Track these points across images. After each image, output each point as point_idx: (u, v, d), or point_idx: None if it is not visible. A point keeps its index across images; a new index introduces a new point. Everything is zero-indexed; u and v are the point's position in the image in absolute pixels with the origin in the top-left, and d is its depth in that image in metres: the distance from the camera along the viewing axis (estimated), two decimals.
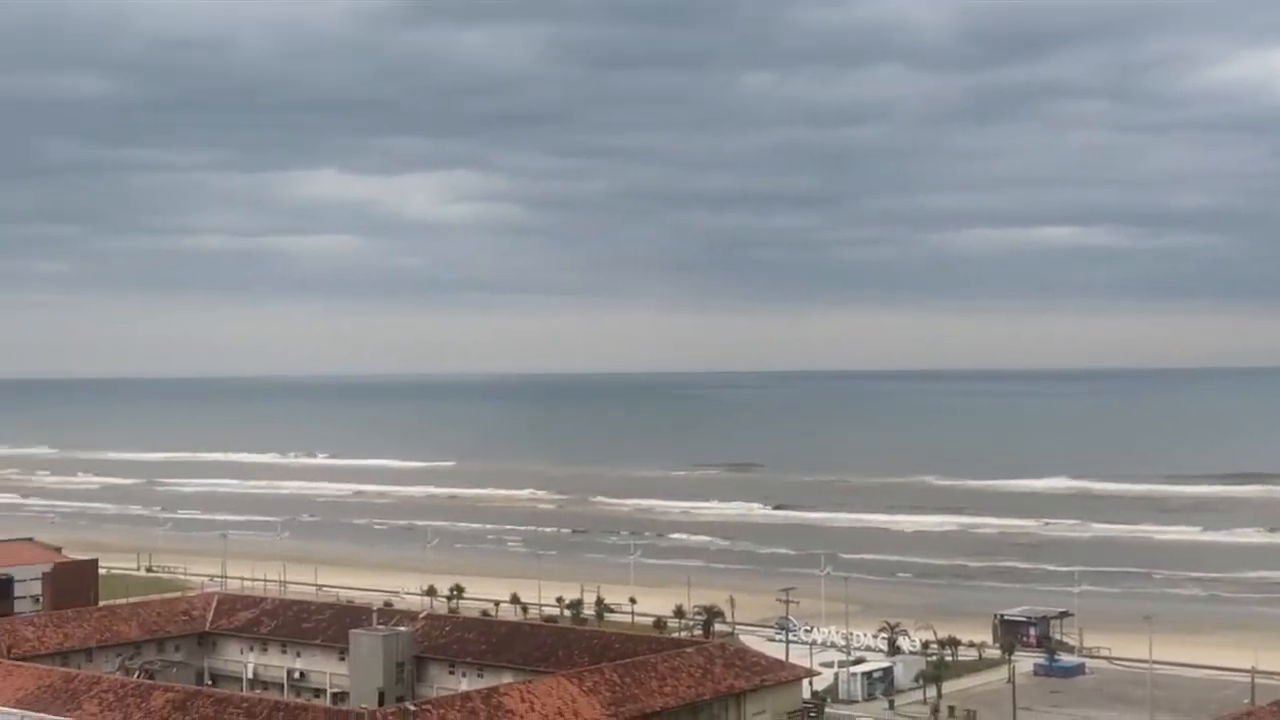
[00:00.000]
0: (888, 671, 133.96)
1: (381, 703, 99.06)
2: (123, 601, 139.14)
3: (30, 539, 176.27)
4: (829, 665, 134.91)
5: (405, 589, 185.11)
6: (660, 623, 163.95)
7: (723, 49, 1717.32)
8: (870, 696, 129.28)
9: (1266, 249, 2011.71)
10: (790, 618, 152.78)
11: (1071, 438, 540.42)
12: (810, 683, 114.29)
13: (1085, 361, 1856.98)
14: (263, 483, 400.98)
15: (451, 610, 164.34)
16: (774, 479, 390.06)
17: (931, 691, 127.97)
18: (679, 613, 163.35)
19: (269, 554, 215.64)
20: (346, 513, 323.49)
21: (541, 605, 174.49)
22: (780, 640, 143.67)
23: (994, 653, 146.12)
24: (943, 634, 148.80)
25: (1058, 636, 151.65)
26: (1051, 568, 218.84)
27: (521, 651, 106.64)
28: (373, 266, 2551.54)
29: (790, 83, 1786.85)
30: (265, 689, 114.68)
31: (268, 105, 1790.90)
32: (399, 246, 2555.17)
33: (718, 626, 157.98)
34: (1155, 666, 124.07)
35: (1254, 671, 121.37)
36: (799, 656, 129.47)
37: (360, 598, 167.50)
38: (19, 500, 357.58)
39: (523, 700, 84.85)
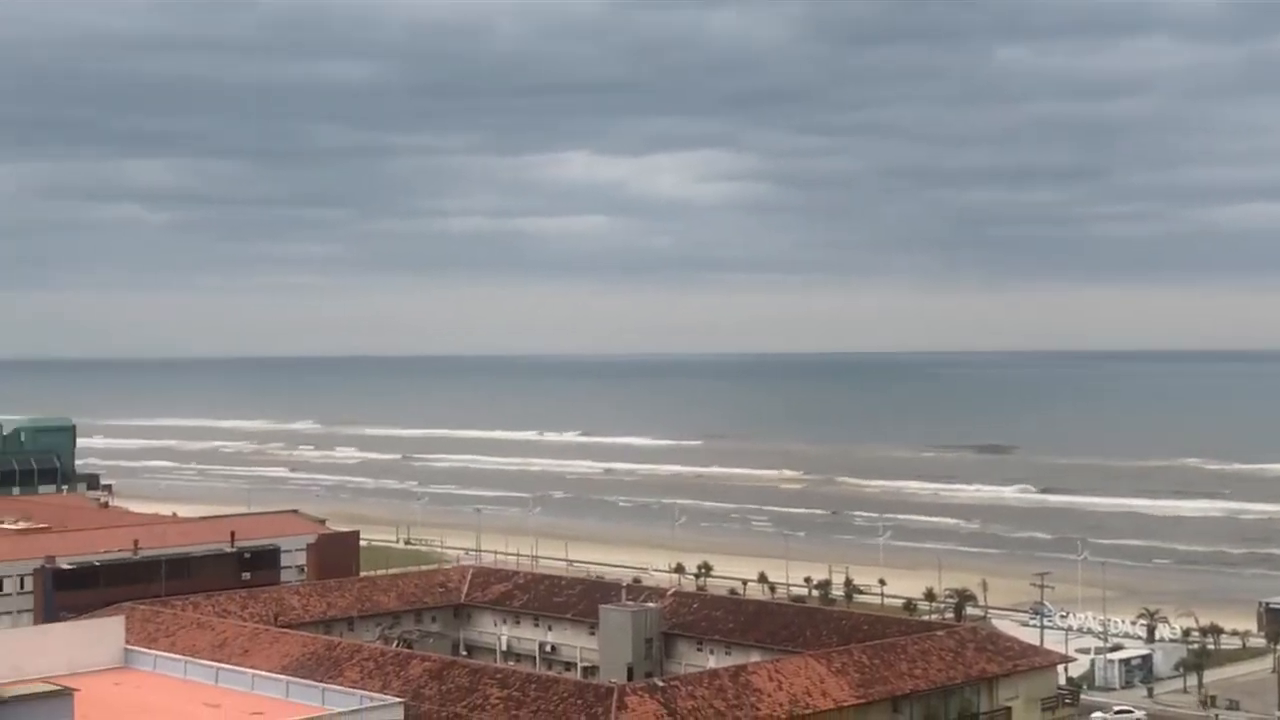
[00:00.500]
0: (1146, 659, 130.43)
1: (630, 677, 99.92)
2: (382, 573, 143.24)
3: (295, 511, 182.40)
4: (1085, 652, 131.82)
5: (653, 566, 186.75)
6: (910, 605, 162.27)
7: (975, 23, 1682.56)
8: (1128, 684, 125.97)
9: None
10: (1045, 602, 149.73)
11: None
12: (1065, 669, 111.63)
13: None
14: (515, 459, 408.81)
15: (699, 588, 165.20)
16: (1027, 460, 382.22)
17: (1192, 680, 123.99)
18: (929, 595, 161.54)
19: (521, 529, 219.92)
20: (596, 490, 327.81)
21: (789, 585, 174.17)
22: (1034, 625, 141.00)
23: (1258, 641, 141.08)
24: (1204, 621, 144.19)
25: None
26: None
27: (769, 630, 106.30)
28: (623, 247, 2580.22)
29: (1048, 56, 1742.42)
30: (518, 661, 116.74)
31: (522, 88, 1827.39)
32: (649, 226, 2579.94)
33: (969, 610, 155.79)
34: None
35: None
36: (1054, 642, 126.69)
37: (609, 573, 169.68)
38: (287, 474, 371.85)
39: (770, 679, 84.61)
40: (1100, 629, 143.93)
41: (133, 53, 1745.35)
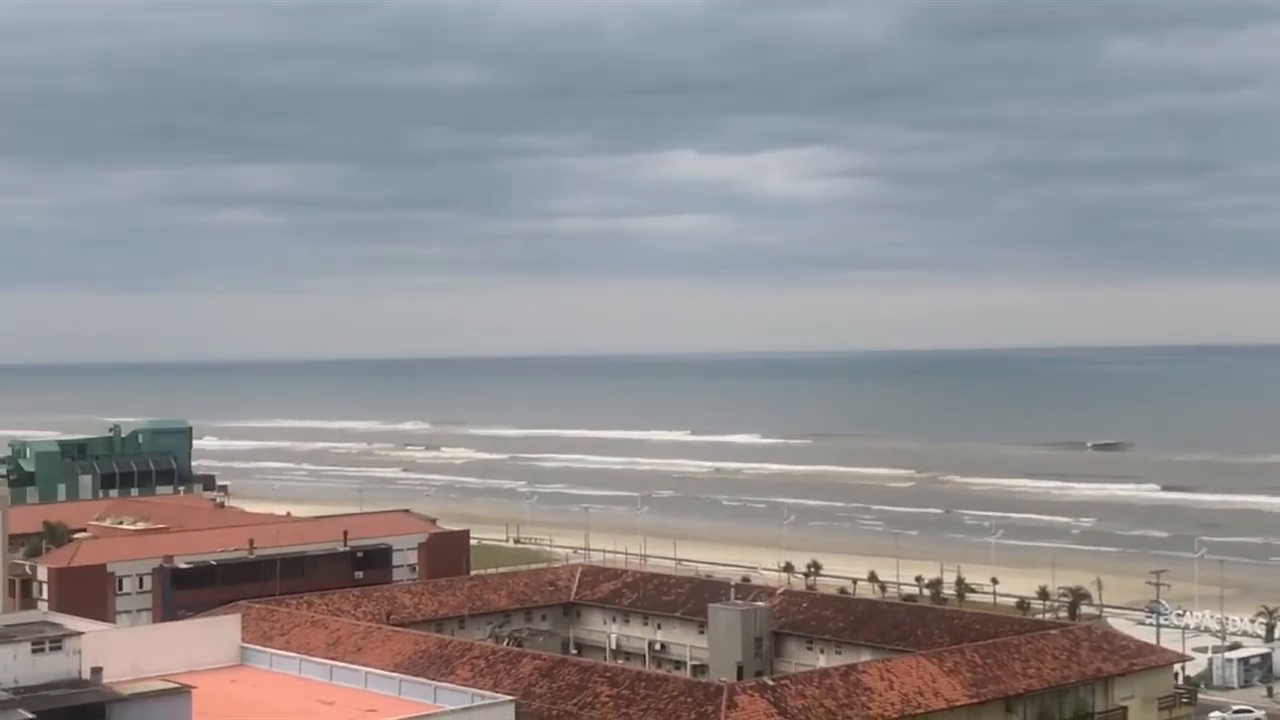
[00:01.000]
0: (1266, 658, 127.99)
1: (740, 676, 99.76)
2: (492, 571, 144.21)
3: (407, 510, 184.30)
4: (1202, 650, 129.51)
5: (762, 565, 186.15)
6: (1023, 604, 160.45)
7: (1083, 16, 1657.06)
8: (1247, 683, 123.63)
9: None
10: (1161, 601, 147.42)
11: None
12: (1182, 668, 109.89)
13: None
14: (622, 458, 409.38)
15: (809, 587, 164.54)
16: (1144, 457, 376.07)
17: None
18: (1043, 594, 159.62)
19: (629, 528, 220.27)
20: (704, 488, 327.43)
21: (900, 584, 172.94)
22: (1150, 624, 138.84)
23: None
24: None
25: None
26: None
27: (879, 630, 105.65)
28: (730, 245, 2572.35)
29: (1162, 47, 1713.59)
30: (627, 659, 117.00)
31: (630, 89, 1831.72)
32: (755, 224, 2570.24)
33: (1084, 609, 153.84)
34: None
35: None
36: (1170, 641, 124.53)
37: (718, 572, 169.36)
38: (399, 474, 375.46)
39: (882, 679, 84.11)
40: (1218, 627, 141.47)
41: (246, 60, 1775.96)
